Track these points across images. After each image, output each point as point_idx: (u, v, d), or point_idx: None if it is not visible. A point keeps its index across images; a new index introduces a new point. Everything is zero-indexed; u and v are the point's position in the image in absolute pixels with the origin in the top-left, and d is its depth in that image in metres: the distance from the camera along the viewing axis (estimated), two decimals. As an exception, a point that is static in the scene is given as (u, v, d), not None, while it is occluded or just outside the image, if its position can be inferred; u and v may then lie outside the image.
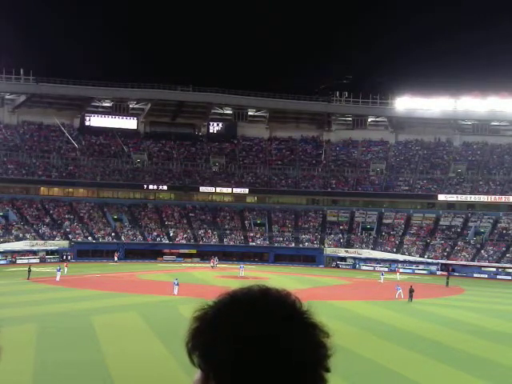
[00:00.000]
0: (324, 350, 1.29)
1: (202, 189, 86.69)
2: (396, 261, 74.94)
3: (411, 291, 42.17)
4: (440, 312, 37.49)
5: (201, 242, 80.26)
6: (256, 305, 1.29)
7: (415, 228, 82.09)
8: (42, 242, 72.59)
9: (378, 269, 70.12)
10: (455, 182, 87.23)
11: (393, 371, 20.83)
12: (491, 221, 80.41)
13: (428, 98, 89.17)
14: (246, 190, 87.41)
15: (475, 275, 70.22)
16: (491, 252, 75.09)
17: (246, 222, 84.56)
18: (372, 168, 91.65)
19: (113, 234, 78.24)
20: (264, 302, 1.29)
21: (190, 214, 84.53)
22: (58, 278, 48.45)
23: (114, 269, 62.22)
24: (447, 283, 55.97)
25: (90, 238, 76.72)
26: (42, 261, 69.46)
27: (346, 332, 26.17)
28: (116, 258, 71.35)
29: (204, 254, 77.20)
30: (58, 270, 49.53)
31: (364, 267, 75.80)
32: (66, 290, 42.67)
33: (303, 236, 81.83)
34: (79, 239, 75.59)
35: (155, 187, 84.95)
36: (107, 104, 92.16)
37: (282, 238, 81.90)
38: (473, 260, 74.23)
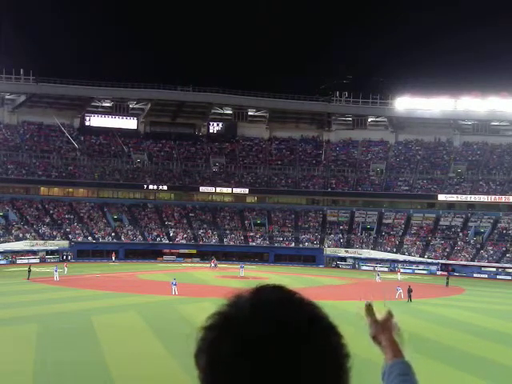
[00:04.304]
0: (344, 359, 1.22)
1: (202, 189, 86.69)
2: (396, 261, 74.97)
3: (409, 291, 42.18)
4: (440, 312, 37.48)
5: (201, 242, 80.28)
6: (271, 308, 1.18)
7: (415, 228, 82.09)
8: (42, 241, 72.60)
9: (377, 269, 70.10)
10: (455, 182, 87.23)
11: (393, 371, 20.81)
12: (491, 221, 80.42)
13: (428, 98, 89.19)
14: (246, 190, 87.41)
15: (475, 275, 70.24)
16: (491, 252, 75.10)
17: (246, 222, 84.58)
18: (372, 168, 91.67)
19: (113, 234, 78.26)
20: (282, 305, 1.19)
21: (190, 214, 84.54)
22: (56, 278, 48.44)
23: (114, 269, 62.24)
24: (447, 283, 55.95)
25: (89, 237, 76.74)
26: (42, 261, 69.49)
27: (345, 332, 26.14)
28: (113, 258, 71.41)
29: (204, 254, 77.30)
30: (56, 270, 49.53)
31: (364, 267, 75.79)
32: (65, 289, 42.64)
33: (303, 236, 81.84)
34: (79, 239, 75.62)
35: (155, 187, 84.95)
36: (107, 104, 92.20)
37: (282, 238, 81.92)
38: (473, 260, 74.24)
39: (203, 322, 1.21)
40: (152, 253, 77.77)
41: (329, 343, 1.19)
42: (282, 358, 1.11)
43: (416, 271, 73.13)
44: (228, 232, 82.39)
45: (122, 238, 78.10)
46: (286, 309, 1.18)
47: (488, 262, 72.94)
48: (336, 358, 1.19)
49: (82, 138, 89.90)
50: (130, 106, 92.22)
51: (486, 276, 70.18)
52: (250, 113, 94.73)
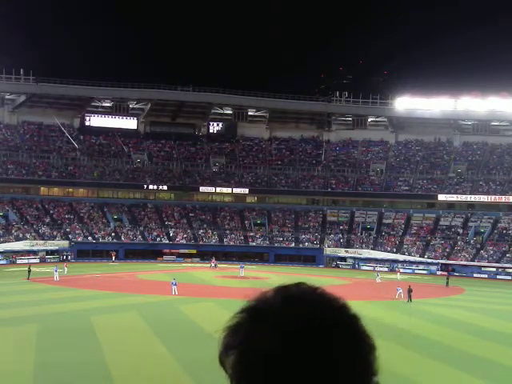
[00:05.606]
0: (370, 362, 1.23)
1: (202, 189, 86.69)
2: (396, 261, 74.96)
3: (410, 291, 42.19)
4: (440, 312, 37.49)
5: (201, 242, 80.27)
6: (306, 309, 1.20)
7: (415, 228, 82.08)
8: (42, 241, 72.59)
9: (377, 269, 70.11)
10: (455, 182, 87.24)
11: (392, 371, 20.82)
12: (491, 221, 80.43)
13: (428, 98, 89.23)
14: (246, 190, 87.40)
15: (475, 275, 70.23)
16: (491, 252, 75.11)
17: (246, 222, 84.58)
18: (372, 168, 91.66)
19: (113, 234, 78.25)
20: (311, 306, 1.22)
21: (190, 214, 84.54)
22: (56, 278, 48.44)
23: (114, 269, 62.23)
24: (447, 283, 55.97)
25: (90, 237, 76.73)
26: (42, 261, 69.46)
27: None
28: (113, 258, 71.54)
29: (204, 254, 77.27)
30: (56, 270, 49.55)
31: (364, 267, 75.77)
32: (65, 289, 42.66)
33: (303, 236, 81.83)
34: (79, 239, 75.60)
35: (155, 187, 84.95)
36: (107, 104, 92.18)
37: (282, 238, 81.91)
38: (473, 260, 74.24)
39: (227, 322, 1.20)
40: (152, 253, 77.76)
41: (358, 330, 1.23)
42: (319, 344, 1.15)
43: (416, 271, 73.11)
44: (228, 232, 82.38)
45: (122, 238, 78.09)
46: (316, 300, 1.22)
47: (488, 262, 72.93)
48: (365, 344, 1.23)
49: (82, 138, 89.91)
50: (130, 106, 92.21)
51: (486, 276, 70.16)
52: (250, 113, 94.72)
